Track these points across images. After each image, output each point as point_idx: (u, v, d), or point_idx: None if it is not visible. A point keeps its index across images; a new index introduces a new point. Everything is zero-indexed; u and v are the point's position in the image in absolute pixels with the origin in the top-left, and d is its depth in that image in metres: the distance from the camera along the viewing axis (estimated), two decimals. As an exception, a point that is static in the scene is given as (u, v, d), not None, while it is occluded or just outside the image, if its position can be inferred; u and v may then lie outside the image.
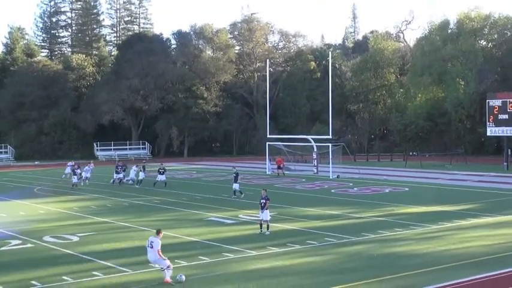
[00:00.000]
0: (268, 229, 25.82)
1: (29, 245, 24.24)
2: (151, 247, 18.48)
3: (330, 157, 54.51)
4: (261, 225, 26.02)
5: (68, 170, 55.65)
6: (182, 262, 20.62)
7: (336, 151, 58.72)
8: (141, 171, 48.45)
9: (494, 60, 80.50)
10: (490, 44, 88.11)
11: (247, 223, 28.61)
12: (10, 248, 23.89)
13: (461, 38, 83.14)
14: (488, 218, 29.23)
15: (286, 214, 31.23)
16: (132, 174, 49.76)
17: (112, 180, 49.96)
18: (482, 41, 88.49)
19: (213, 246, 23.52)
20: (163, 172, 46.87)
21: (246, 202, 36.22)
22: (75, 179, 47.37)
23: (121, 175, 50.01)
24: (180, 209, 34.27)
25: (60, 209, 34.93)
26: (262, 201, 25.95)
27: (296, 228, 27.28)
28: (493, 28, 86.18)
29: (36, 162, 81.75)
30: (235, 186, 39.28)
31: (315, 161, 57.69)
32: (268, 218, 25.95)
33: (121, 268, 20.01)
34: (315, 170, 56.82)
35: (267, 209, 25.85)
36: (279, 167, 56.50)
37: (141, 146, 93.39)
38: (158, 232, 18.83)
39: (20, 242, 24.90)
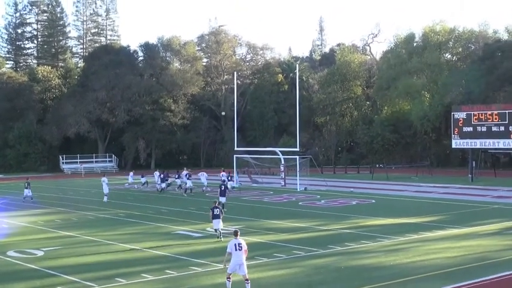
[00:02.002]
0: (220, 236, 27.19)
1: (-8, 260, 23.85)
2: (241, 249, 18.38)
3: (298, 169, 54.65)
4: (219, 233, 27.43)
5: (130, 179, 58.68)
6: (149, 276, 20.45)
7: (303, 163, 58.86)
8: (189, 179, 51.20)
9: (459, 73, 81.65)
10: (454, 57, 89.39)
11: (215, 236, 28.48)
12: (-27, 263, 23.48)
13: (426, 51, 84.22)
14: (454, 230, 29.53)
15: (253, 227, 31.19)
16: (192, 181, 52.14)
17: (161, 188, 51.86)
18: (447, 54, 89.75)
19: (180, 259, 23.38)
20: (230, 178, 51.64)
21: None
22: (163, 185, 51.77)
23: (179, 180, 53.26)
24: (146, 222, 34.01)
25: (24, 223, 34.43)
26: (216, 210, 27.57)
27: (264, 241, 27.25)
28: (457, 42, 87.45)
29: (0, 176, 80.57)
30: (222, 199, 38.37)
31: (283, 173, 57.78)
32: (219, 226, 27.40)
33: (86, 283, 19.77)
34: (283, 183, 56.89)
35: (216, 219, 27.39)
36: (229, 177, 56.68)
37: (107, 159, 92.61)
38: (237, 233, 19.00)
39: (-17, 257, 24.50)
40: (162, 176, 53.59)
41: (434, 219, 33.55)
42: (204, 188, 53.05)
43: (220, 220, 27.56)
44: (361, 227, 30.76)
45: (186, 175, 52.01)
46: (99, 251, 25.51)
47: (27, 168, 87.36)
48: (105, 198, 45.44)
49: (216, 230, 27.52)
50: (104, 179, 46.83)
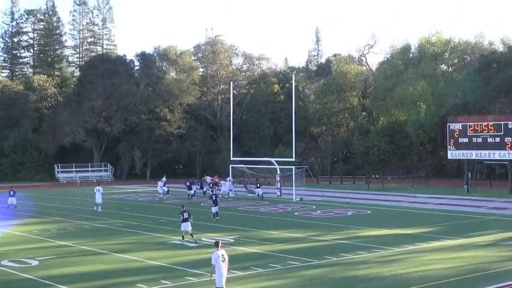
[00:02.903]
0: (193, 236, 29.60)
1: (-14, 270, 23.75)
2: (224, 260, 18.21)
3: (293, 180, 54.60)
4: (183, 236, 29.72)
5: (162, 188, 57.60)
6: (144, 286, 20.40)
7: (299, 174, 58.82)
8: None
9: (455, 84, 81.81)
10: (450, 68, 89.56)
11: (211, 246, 28.38)
12: (-33, 272, 23.37)
13: (422, 62, 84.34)
14: (449, 241, 29.52)
15: (249, 237, 31.15)
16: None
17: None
18: (443, 65, 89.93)
19: (176, 270, 23.33)
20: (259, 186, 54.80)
21: (209, 225, 36.06)
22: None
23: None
24: (143, 232, 33.94)
25: (19, 232, 34.33)
26: (185, 214, 29.69)
27: (259, 251, 27.22)
28: (453, 53, 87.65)
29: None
30: (215, 208, 39.00)
31: (278, 183, 57.74)
32: (189, 228, 29.64)
33: (81, 293, 19.73)
34: (278, 193, 56.83)
35: (185, 222, 29.66)
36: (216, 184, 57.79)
37: (103, 168, 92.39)
38: (218, 244, 18.76)
39: (-23, 266, 24.39)
40: (188, 183, 56.25)
41: (430, 230, 33.55)
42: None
43: (189, 223, 29.61)
44: (356, 238, 30.74)
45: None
46: (94, 260, 25.43)
47: (22, 177, 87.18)
48: (99, 208, 45.28)
49: (183, 231, 29.75)
50: (99, 188, 46.62)
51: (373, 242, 29.25)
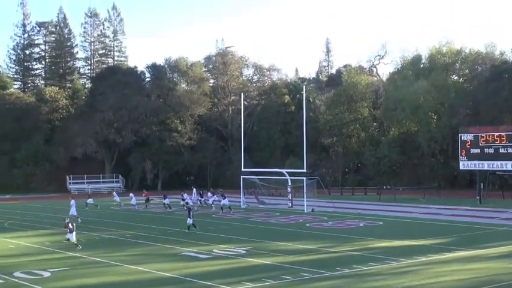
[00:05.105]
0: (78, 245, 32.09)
1: (-2, 281, 23.77)
2: None
3: (305, 191, 54.49)
4: (77, 245, 32.09)
5: (135, 199, 59.33)
6: (155, 298, 20.34)
7: (310, 185, 58.69)
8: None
9: (466, 95, 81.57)
10: (461, 78, 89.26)
11: (222, 258, 28.37)
12: (-21, 284, 23.40)
13: (433, 72, 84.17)
14: (462, 252, 29.29)
15: (260, 249, 31.03)
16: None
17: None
18: (454, 75, 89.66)
19: (187, 281, 23.24)
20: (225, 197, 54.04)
21: (221, 236, 36.01)
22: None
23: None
24: (153, 243, 33.87)
25: (31, 244, 34.38)
26: (69, 225, 32.42)
27: (271, 263, 27.09)
28: (464, 63, 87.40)
29: (7, 196, 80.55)
30: (189, 221, 39.23)
31: (290, 194, 57.61)
32: (74, 239, 32.34)
33: (93, 305, 19.68)
34: (290, 204, 56.71)
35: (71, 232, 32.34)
36: (147, 200, 60.49)
37: (114, 179, 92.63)
38: None
39: (-11, 278, 24.42)
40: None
41: (443, 241, 33.33)
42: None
43: (74, 234, 32.34)
44: (369, 249, 30.56)
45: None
46: (105, 272, 25.40)
47: (34, 188, 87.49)
48: (79, 220, 45.45)
49: (68, 239, 32.51)
50: (74, 202, 47.26)
51: (386, 253, 29.07)
